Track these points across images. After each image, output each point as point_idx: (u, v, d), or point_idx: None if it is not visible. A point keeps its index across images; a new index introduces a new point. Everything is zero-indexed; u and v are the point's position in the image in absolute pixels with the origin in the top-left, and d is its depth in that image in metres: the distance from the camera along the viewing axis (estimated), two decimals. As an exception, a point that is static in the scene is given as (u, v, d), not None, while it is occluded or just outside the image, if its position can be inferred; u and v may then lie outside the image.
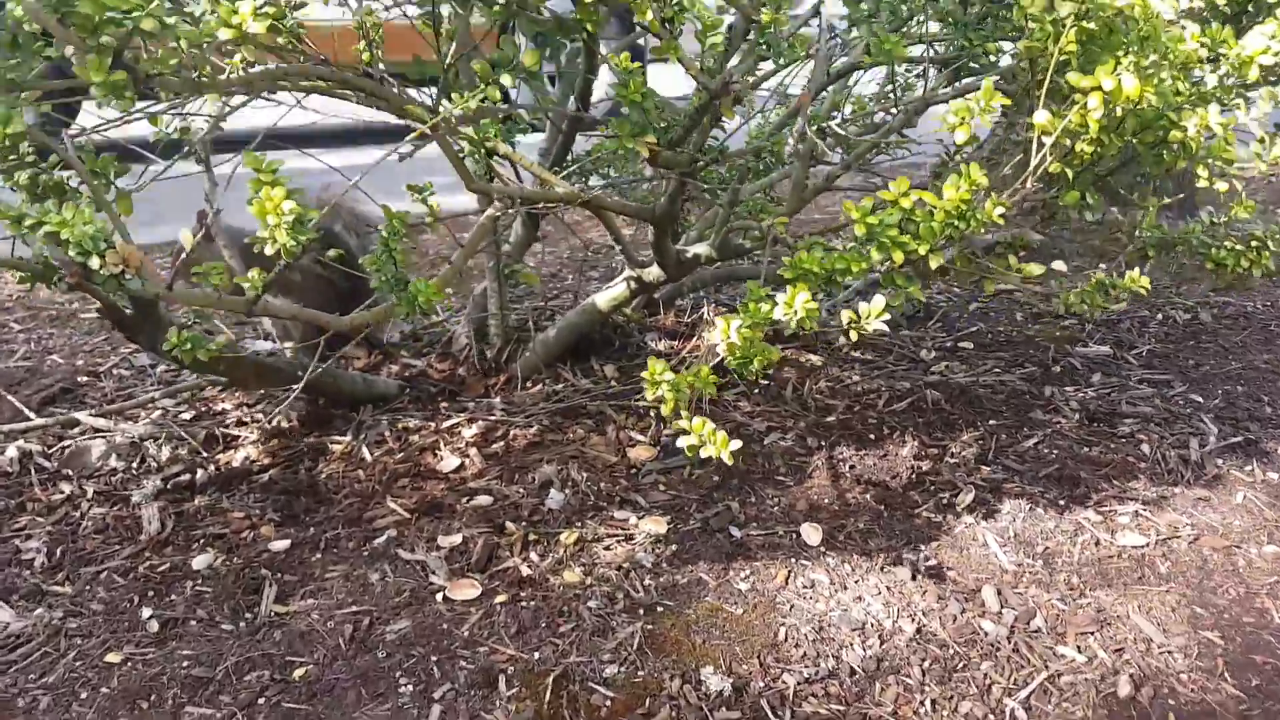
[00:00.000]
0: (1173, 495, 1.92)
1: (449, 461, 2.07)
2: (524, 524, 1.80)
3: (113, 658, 1.50)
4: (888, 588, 1.65)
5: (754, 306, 1.40)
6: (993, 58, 1.47)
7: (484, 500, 1.90)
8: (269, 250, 1.00)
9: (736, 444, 1.30)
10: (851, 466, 2.02)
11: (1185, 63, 1.21)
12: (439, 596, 1.59)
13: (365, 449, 2.13)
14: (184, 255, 2.46)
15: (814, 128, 1.50)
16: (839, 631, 1.54)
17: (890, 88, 2.17)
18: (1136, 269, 1.42)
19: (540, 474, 1.98)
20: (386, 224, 1.48)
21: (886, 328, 1.30)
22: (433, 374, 2.52)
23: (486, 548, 1.72)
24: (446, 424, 2.22)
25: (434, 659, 1.46)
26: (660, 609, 1.57)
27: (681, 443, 1.34)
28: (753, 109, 2.43)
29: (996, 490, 1.91)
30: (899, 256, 1.26)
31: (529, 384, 2.43)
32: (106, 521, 1.88)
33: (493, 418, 2.24)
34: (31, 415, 2.16)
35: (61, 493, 1.99)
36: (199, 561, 1.73)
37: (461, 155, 1.49)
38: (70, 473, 2.08)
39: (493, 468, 2.04)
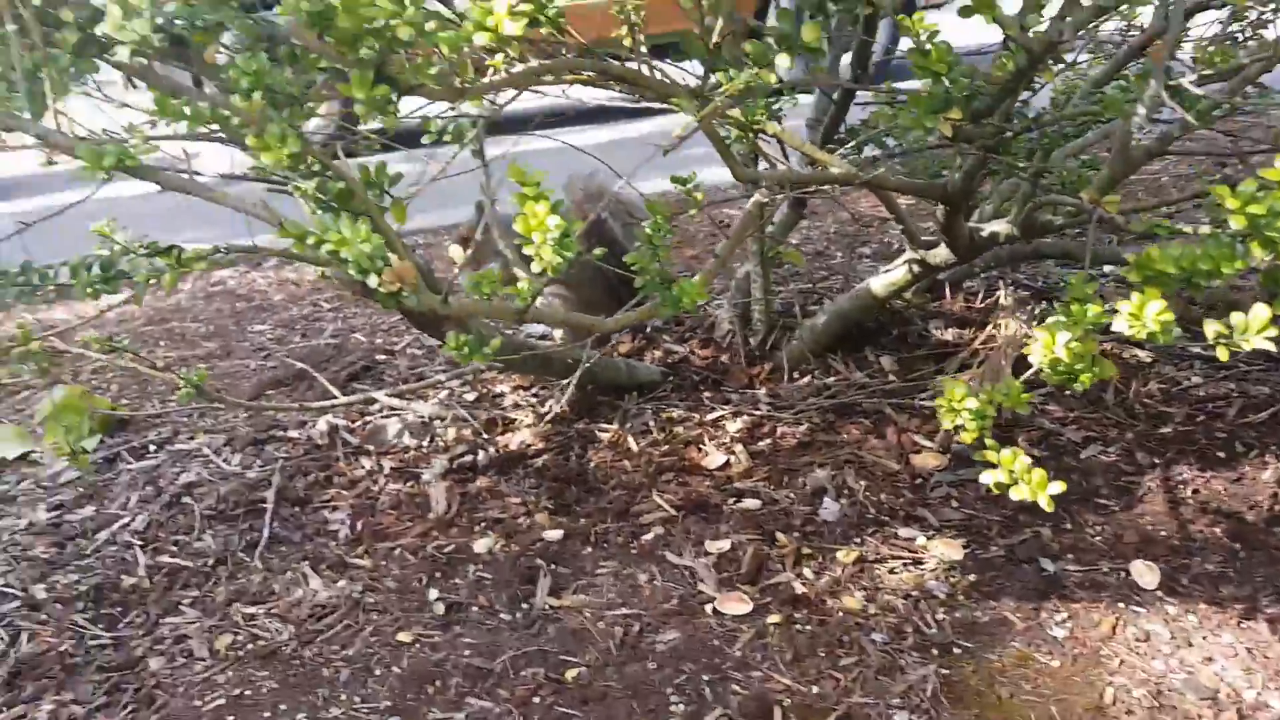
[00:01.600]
0: None
1: (714, 457, 1.99)
2: (796, 535, 1.68)
3: (404, 637, 1.56)
4: (1247, 649, 1.35)
5: (1079, 309, 1.17)
6: None
7: (751, 504, 1.80)
8: (534, 269, 0.95)
9: (1058, 487, 1.08)
10: (1195, 491, 1.69)
11: None
12: (709, 608, 1.51)
13: (631, 439, 2.10)
14: (466, 253, 2.56)
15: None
16: (1183, 699, 1.28)
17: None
18: None
19: (812, 479, 1.84)
20: (649, 219, 1.40)
21: (1273, 346, 1.03)
22: (695, 361, 2.45)
23: (756, 558, 1.62)
24: (710, 416, 2.14)
25: (705, 678, 1.38)
26: (957, 650, 1.39)
27: (986, 478, 1.15)
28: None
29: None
30: (1289, 257, 0.98)
31: (796, 375, 2.29)
32: (400, 498, 1.99)
33: (758, 412, 2.13)
34: (336, 392, 2.33)
35: (362, 468, 2.14)
36: (480, 545, 1.77)
37: (727, 141, 1.37)
38: (371, 448, 2.23)
39: (760, 467, 1.93)
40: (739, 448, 2.00)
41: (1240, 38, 1.88)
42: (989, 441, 1.21)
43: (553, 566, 1.67)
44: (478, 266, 2.46)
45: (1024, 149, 1.73)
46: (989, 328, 2.36)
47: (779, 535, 1.67)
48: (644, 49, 1.55)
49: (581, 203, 2.61)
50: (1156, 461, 1.77)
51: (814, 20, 0.93)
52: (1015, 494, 1.15)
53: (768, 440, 2.03)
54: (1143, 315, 1.03)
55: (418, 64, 0.87)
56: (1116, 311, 1.09)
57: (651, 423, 2.15)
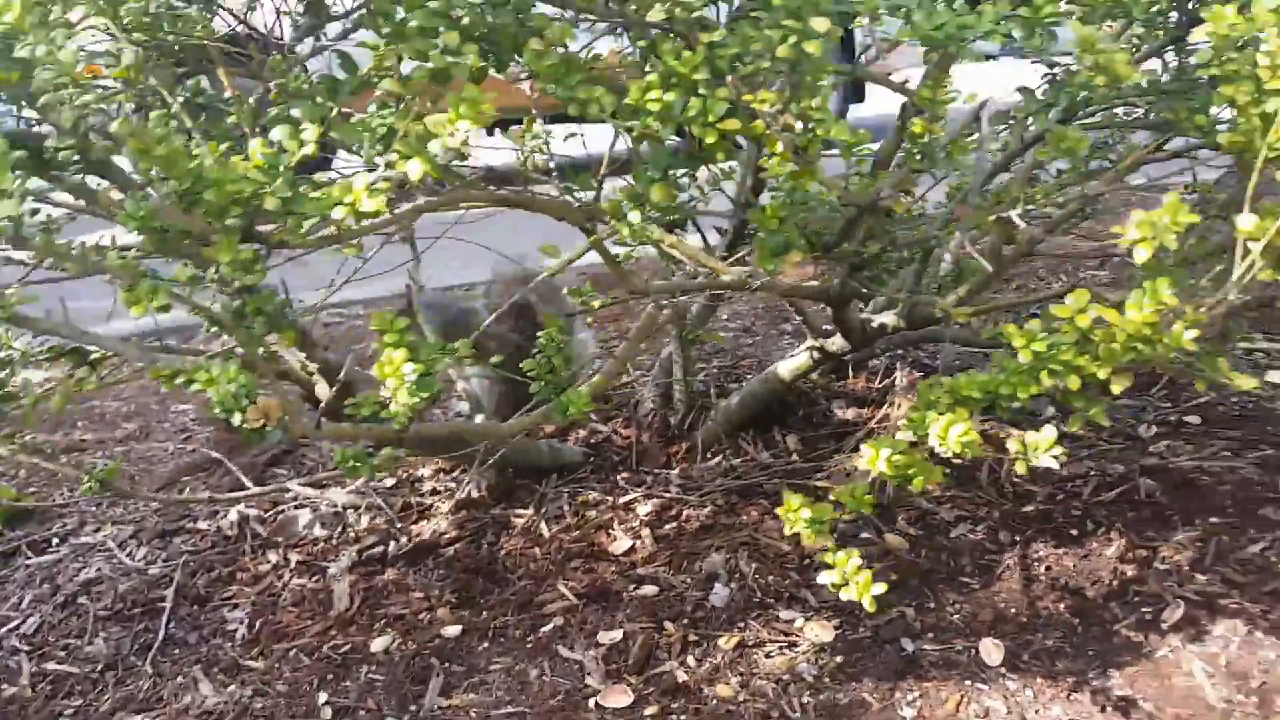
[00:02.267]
0: None
1: (621, 542, 2.08)
2: (685, 622, 1.77)
3: (290, 745, 1.60)
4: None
5: (918, 416, 1.30)
6: (1202, 128, 1.29)
7: (650, 590, 1.88)
8: (393, 409, 1.05)
9: (880, 588, 1.20)
10: (1048, 568, 1.83)
11: None
12: (592, 702, 1.59)
13: (544, 525, 2.18)
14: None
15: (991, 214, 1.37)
16: (1018, 775, 1.39)
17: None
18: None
19: (708, 563, 1.94)
20: (546, 331, 1.51)
21: (1056, 464, 1.16)
22: (617, 440, 2.55)
23: (645, 647, 1.71)
24: (624, 499, 2.24)
25: (583, 774, 1.45)
26: (819, 734, 1.49)
27: (823, 578, 1.27)
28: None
29: (1210, 607, 1.66)
30: (1075, 382, 1.12)
31: (710, 454, 2.40)
32: (304, 594, 2.03)
33: (669, 494, 2.23)
34: (248, 482, 2.37)
35: (268, 562, 2.17)
36: (377, 644, 1.82)
37: (618, 259, 1.49)
38: (280, 540, 2.27)
39: (663, 552, 2.02)
40: (646, 532, 2.10)
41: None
42: (829, 544, 1.33)
43: (446, 665, 1.73)
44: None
45: (896, 263, 1.89)
46: (885, 407, 2.52)
47: (668, 623, 1.76)
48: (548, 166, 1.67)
49: (510, 285, 2.71)
50: (1017, 539, 1.91)
51: (663, 182, 1.05)
52: (844, 594, 1.26)
53: (674, 524, 2.12)
54: (947, 436, 1.16)
55: (289, 225, 0.96)
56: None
57: (566, 507, 2.23)
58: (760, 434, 2.39)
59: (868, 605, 1.25)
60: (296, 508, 2.37)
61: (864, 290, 1.79)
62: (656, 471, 2.31)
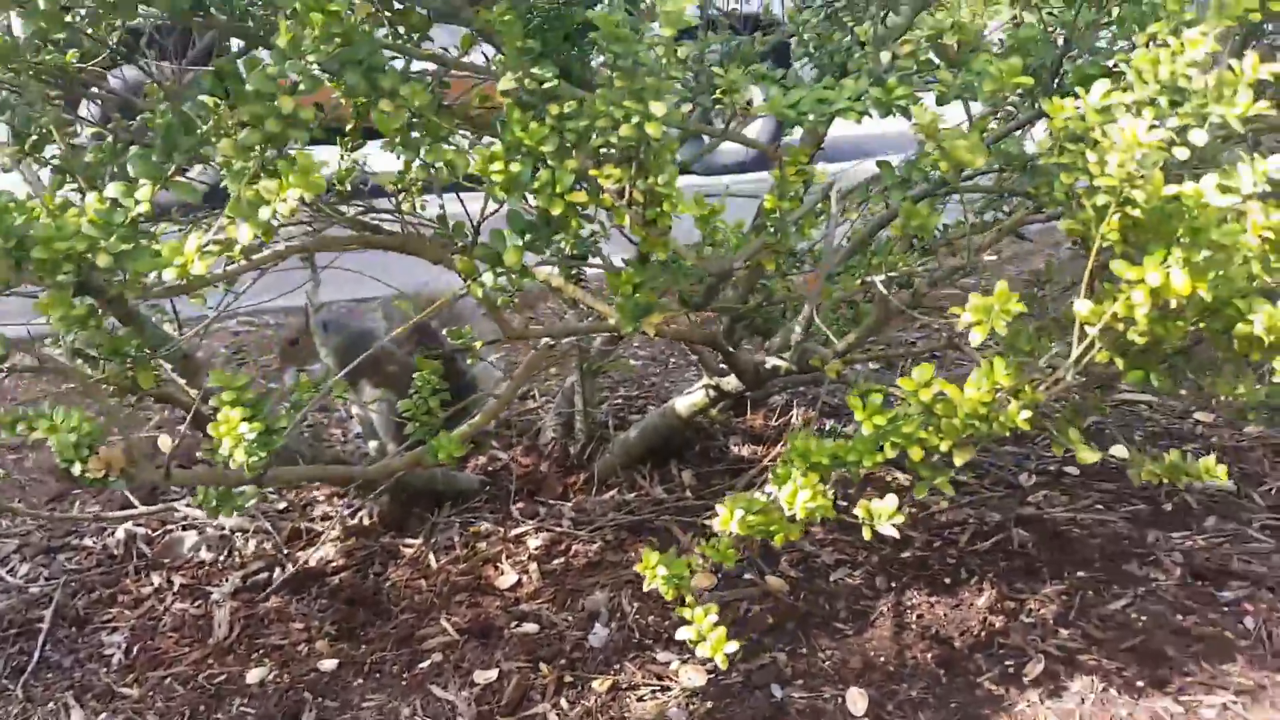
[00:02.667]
0: (1273, 686, 1.67)
1: (508, 577, 2.08)
2: (562, 662, 1.78)
3: (153, 779, 1.57)
4: (932, 774, 1.51)
5: (784, 470, 1.33)
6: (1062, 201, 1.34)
7: (531, 628, 1.89)
8: (233, 467, 1.04)
9: (733, 646, 1.23)
10: (919, 616, 1.88)
11: (1253, 256, 1.06)
12: (459, 745, 1.59)
13: (433, 556, 2.17)
14: (287, 348, 2.59)
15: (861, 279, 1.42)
16: (868, 827, 1.42)
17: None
18: (1213, 457, 1.25)
19: (591, 601, 1.95)
20: (421, 375, 1.51)
21: (895, 532, 1.20)
22: (515, 469, 2.55)
23: (519, 689, 1.71)
24: (515, 531, 2.24)
25: (443, 817, 1.45)
26: (679, 782, 1.50)
27: (681, 634, 1.29)
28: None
29: (1070, 662, 1.73)
30: (917, 453, 1.16)
31: (607, 487, 2.42)
32: (185, 619, 1.99)
33: (560, 528, 2.23)
34: (135, 501, 2.32)
35: (151, 584, 2.13)
36: (253, 675, 1.80)
37: (498, 303, 1.49)
38: (166, 561, 2.23)
39: (548, 588, 2.03)
40: (533, 566, 2.10)
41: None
42: (688, 598, 1.35)
43: (320, 700, 1.72)
44: (299, 366, 2.52)
45: (781, 313, 1.93)
46: (780, 445, 2.56)
47: (544, 664, 1.76)
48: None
49: (414, 310, 2.70)
50: (893, 585, 1.96)
51: (517, 246, 1.06)
52: (700, 650, 1.28)
53: (562, 559, 2.13)
54: (795, 501, 1.19)
55: (128, 279, 0.95)
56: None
57: (457, 537, 2.22)
58: (657, 468, 2.41)
59: (720, 663, 1.27)
60: (184, 529, 2.33)
61: (745, 339, 1.82)
62: (551, 503, 2.32)
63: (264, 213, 0.88)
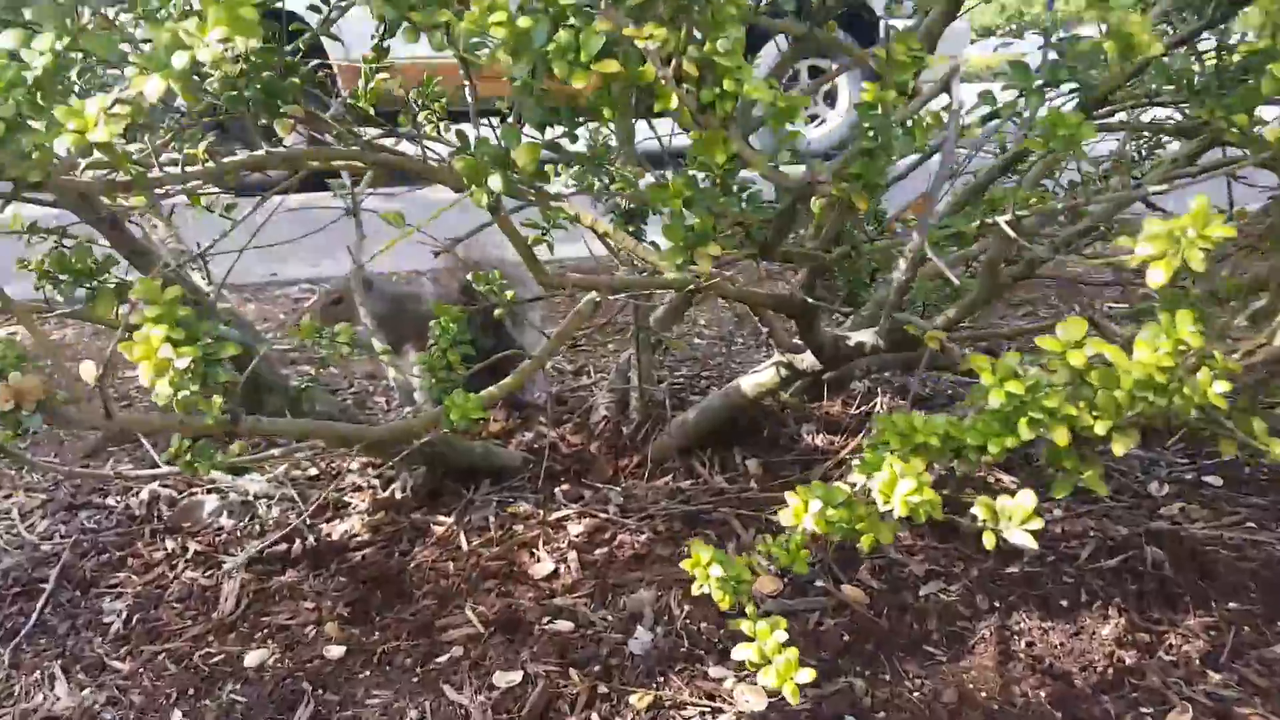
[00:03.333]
0: None
1: (544, 565, 1.84)
2: (597, 669, 1.52)
3: (127, 767, 1.39)
4: (1046, 847, 1.21)
5: (874, 457, 1.05)
6: (1244, 134, 1.02)
7: (564, 626, 1.64)
8: (158, 404, 0.81)
9: (807, 675, 0.95)
10: (1029, 644, 1.56)
11: None
12: (468, 761, 1.35)
13: (464, 536, 1.94)
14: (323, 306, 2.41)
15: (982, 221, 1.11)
16: None
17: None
18: None
19: (634, 600, 1.69)
20: (439, 322, 1.27)
21: (1034, 542, 0.91)
22: (563, 448, 2.31)
23: (544, 697, 1.46)
24: (555, 515, 2.00)
25: None
26: (725, 831, 1.24)
27: (739, 653, 1.02)
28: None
29: (1225, 715, 1.39)
30: (1063, 436, 0.86)
31: (660, 472, 2.16)
32: (192, 589, 1.81)
33: (604, 514, 1.98)
34: (159, 459, 2.16)
35: (164, 549, 1.96)
36: (252, 657, 1.60)
37: (530, 242, 1.25)
38: (185, 526, 2.06)
39: (587, 580, 1.78)
40: (573, 555, 1.85)
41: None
42: (748, 609, 1.08)
43: (319, 692, 1.50)
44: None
45: (870, 269, 1.62)
46: (860, 435, 2.25)
47: (576, 670, 1.52)
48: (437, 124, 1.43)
49: (457, 270, 2.49)
50: (996, 605, 1.64)
51: (531, 144, 0.81)
52: (762, 677, 1.01)
53: (605, 549, 1.88)
54: (891, 495, 0.91)
55: (35, 158, 0.73)
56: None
57: (492, 518, 2.00)
58: (718, 454, 2.14)
59: (790, 696, 0.99)
60: (207, 492, 2.16)
61: (826, 302, 1.52)
62: (599, 486, 2.07)
63: (179, 60, 0.64)
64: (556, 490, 2.05)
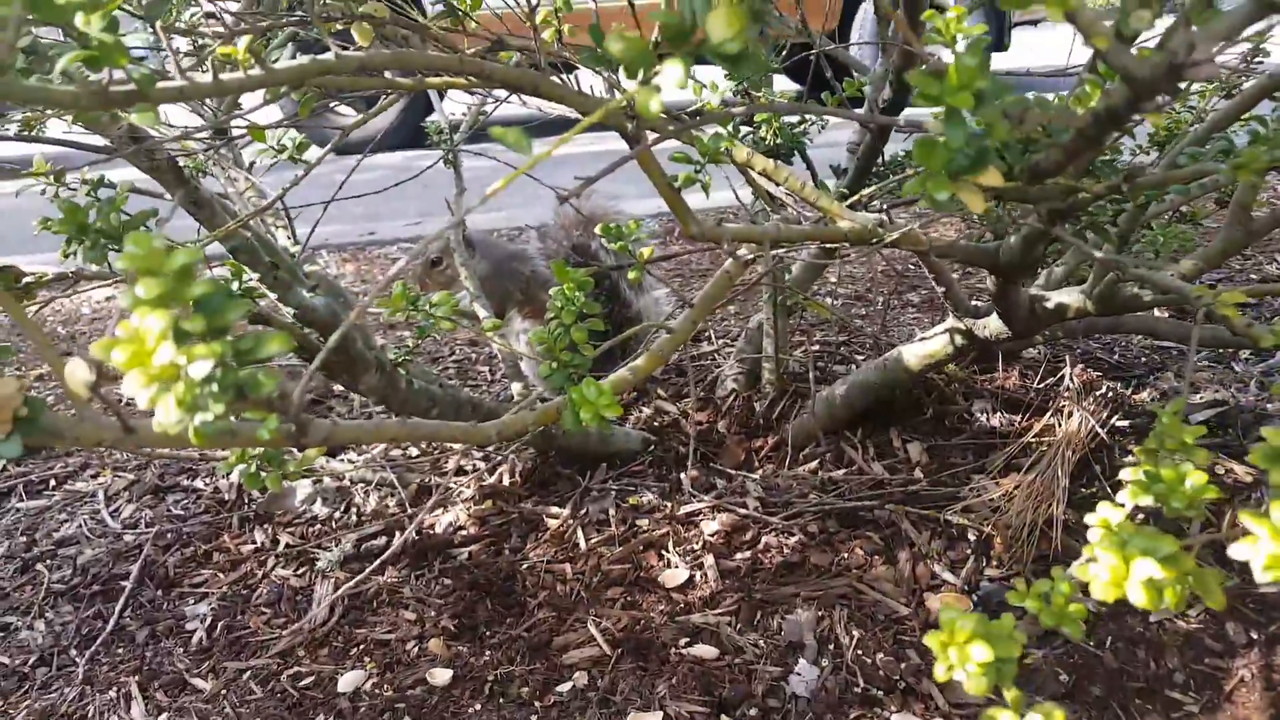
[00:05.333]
0: None
1: (677, 572, 1.57)
2: (752, 714, 1.25)
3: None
4: None
5: (1172, 476, 0.73)
6: None
7: (707, 651, 1.37)
8: (158, 429, 0.55)
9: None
10: (1308, 693, 1.22)
11: None
12: (602, 836, 1.10)
13: (581, 532, 1.69)
14: (426, 266, 2.17)
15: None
16: None
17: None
18: None
19: (790, 623, 1.41)
20: (560, 291, 0.99)
21: None
22: (687, 426, 2.02)
23: (690, 748, 1.20)
24: (685, 509, 1.72)
25: None
26: None
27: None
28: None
29: None
30: None
31: (803, 458, 1.86)
32: (282, 591, 1.62)
33: (743, 509, 1.69)
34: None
35: (253, 542, 1.77)
36: (346, 681, 1.38)
37: (676, 184, 0.95)
38: (276, 514, 1.86)
39: (730, 592, 1.50)
40: (710, 560, 1.58)
41: None
42: (1010, 695, 0.77)
43: (421, 731, 1.28)
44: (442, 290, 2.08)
45: (1110, 213, 1.26)
46: (1048, 415, 1.90)
47: (725, 717, 1.24)
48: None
49: (570, 226, 2.22)
50: (1254, 637, 1.29)
51: (734, 7, 0.50)
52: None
53: (748, 553, 1.60)
54: (1259, 547, 0.59)
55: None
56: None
57: (613, 510, 1.74)
58: (872, 436, 1.82)
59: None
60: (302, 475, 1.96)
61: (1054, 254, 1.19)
62: (732, 473, 1.78)
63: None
64: (682, 477, 1.78)
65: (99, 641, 1.54)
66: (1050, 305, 1.48)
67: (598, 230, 1.13)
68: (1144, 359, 2.12)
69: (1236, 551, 0.62)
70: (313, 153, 1.37)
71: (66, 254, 0.91)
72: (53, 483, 2.12)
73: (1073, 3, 0.50)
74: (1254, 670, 1.25)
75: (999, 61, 6.12)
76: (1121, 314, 1.59)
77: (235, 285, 1.22)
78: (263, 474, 1.01)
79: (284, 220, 1.62)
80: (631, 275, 1.05)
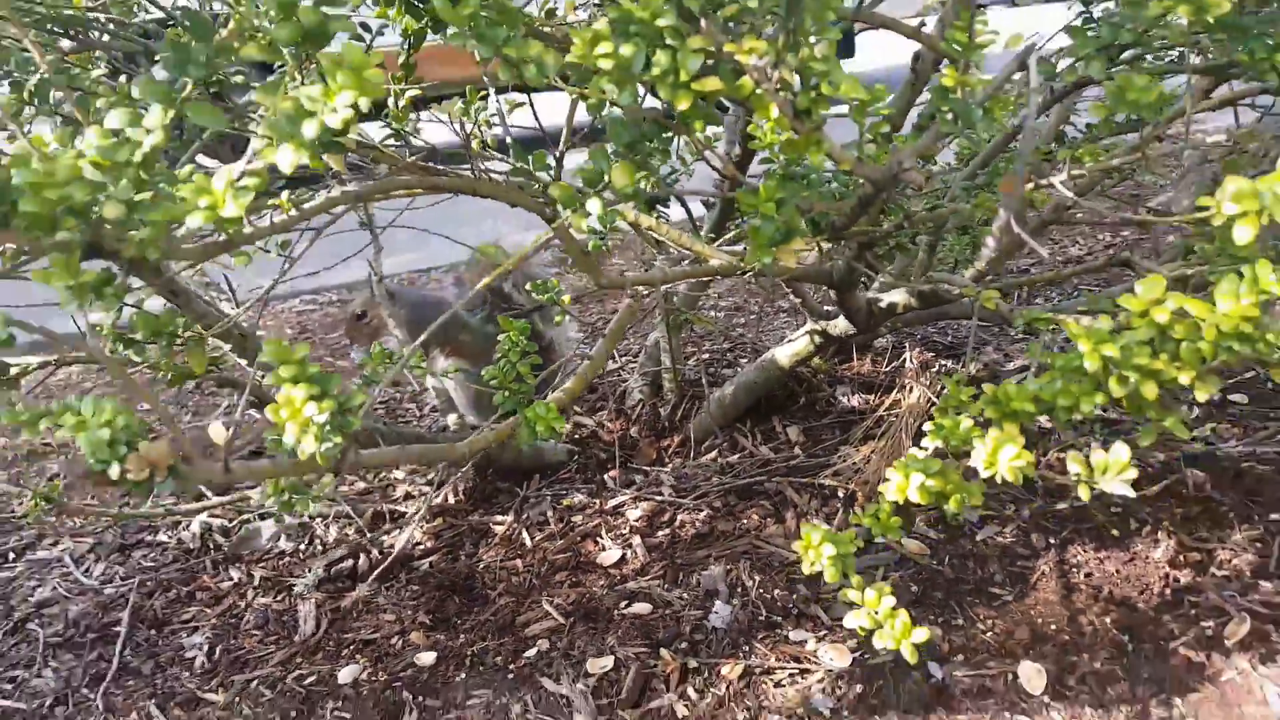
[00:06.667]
0: None
1: (611, 552, 1.89)
2: (683, 646, 1.58)
3: (250, 794, 1.43)
4: (1137, 762, 1.29)
5: (951, 423, 1.10)
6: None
7: (642, 608, 1.70)
8: (301, 459, 0.85)
9: (922, 634, 1.01)
10: (1088, 575, 1.64)
11: None
12: (581, 747, 1.41)
13: (525, 533, 1.99)
14: (354, 319, 2.42)
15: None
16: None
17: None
18: None
19: (707, 576, 1.75)
20: (507, 337, 1.30)
21: (1132, 491, 0.97)
22: (604, 436, 2.35)
23: (639, 678, 1.52)
24: (612, 503, 2.05)
25: (571, 833, 1.27)
26: (838, 783, 1.30)
27: (850, 621, 1.07)
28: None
29: (1286, 622, 1.48)
30: (1151, 390, 0.92)
31: (704, 449, 2.21)
32: (267, 615, 1.85)
33: (659, 496, 2.03)
34: (207, 493, 2.19)
35: (230, 579, 1.99)
36: (345, 674, 1.64)
37: (586, 250, 1.28)
38: (243, 554, 2.09)
39: (656, 562, 1.83)
40: (637, 540, 1.91)
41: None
42: (854, 579, 1.13)
43: (420, 699, 1.55)
44: (368, 343, 2.34)
45: (909, 237, 1.67)
46: (895, 391, 2.31)
47: (664, 649, 1.57)
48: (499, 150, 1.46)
49: (483, 272, 2.51)
50: (1052, 542, 1.71)
51: (626, 161, 0.84)
52: (879, 640, 1.07)
53: (667, 530, 1.93)
54: (996, 460, 0.96)
55: (144, 238, 0.75)
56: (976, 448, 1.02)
57: (550, 512, 2.04)
58: (758, 425, 2.19)
59: (908, 655, 1.05)
60: (260, 518, 2.19)
61: (871, 271, 1.57)
62: (647, 470, 2.12)
63: (308, 129, 0.67)
64: (606, 478, 2.10)
65: (108, 678, 1.74)
66: (884, 304, 1.88)
67: (527, 287, 1.45)
68: (969, 337, 2.57)
69: (975, 459, 0.99)
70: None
71: (113, 350, 1.16)
72: (12, 555, 2.27)
73: (825, 149, 0.86)
74: (1051, 566, 1.66)
75: (849, 66, 6.75)
76: (937, 305, 2.01)
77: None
78: (293, 500, 1.27)
79: (223, 289, 1.87)
80: (557, 319, 1.37)
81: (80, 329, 1.01)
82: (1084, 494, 0.98)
